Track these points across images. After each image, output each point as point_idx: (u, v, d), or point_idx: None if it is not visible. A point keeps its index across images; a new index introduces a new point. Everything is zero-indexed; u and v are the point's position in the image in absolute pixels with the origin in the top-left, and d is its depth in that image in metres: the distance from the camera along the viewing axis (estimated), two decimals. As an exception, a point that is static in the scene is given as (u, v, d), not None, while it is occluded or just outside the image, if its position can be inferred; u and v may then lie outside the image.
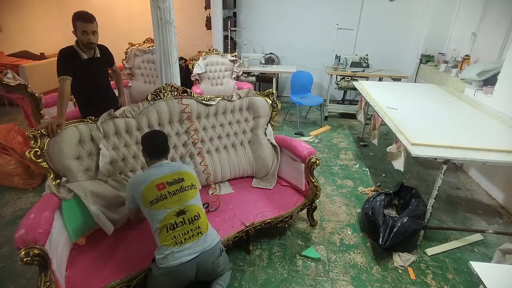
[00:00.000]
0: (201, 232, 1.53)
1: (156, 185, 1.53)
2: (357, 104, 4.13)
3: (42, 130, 1.65)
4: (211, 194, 2.24)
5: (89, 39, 2.12)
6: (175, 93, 2.17)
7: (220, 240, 1.62)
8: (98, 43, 2.25)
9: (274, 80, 5.02)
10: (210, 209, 2.09)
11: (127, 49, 4.50)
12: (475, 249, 2.27)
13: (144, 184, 1.54)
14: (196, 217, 1.54)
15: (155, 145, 1.69)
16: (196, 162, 2.24)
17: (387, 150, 2.43)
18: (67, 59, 2.10)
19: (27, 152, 1.60)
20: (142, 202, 1.53)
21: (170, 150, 2.16)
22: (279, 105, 2.53)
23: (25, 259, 1.26)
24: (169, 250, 1.45)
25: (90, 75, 2.23)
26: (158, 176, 1.57)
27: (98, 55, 2.26)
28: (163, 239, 1.47)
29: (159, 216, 1.49)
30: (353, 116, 4.68)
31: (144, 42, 4.71)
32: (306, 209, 2.35)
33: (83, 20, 2.06)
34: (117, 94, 2.61)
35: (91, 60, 2.21)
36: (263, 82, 5.67)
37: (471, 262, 1.18)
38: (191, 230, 1.51)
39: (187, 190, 1.58)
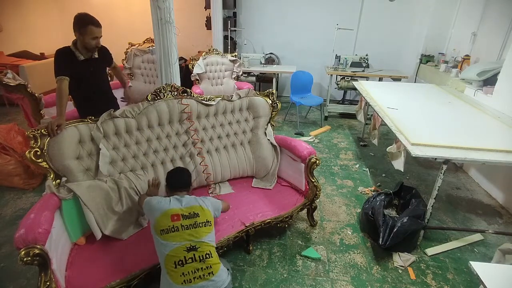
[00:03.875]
0: (212, 273, 1.44)
1: (171, 215, 1.50)
2: (357, 104, 4.13)
3: (42, 130, 1.65)
4: (210, 194, 2.25)
5: (98, 43, 2.13)
6: (175, 93, 2.17)
7: (230, 281, 1.54)
8: None
9: (274, 80, 5.01)
10: None
11: (127, 49, 4.50)
12: (475, 249, 2.27)
13: (160, 212, 1.51)
14: (207, 255, 1.46)
15: (179, 183, 1.72)
16: (196, 162, 2.24)
17: (387, 150, 2.43)
18: (64, 60, 2.08)
19: (27, 152, 1.60)
20: (154, 228, 1.50)
21: (171, 151, 2.17)
22: (279, 105, 2.52)
23: (25, 259, 1.26)
24: None
25: (87, 75, 2.21)
26: (175, 207, 1.54)
27: (96, 56, 2.23)
28: (171, 274, 1.41)
29: (168, 247, 1.44)
30: (353, 116, 4.68)
31: (144, 42, 4.71)
32: (306, 209, 2.35)
33: (96, 25, 2.06)
34: (118, 95, 2.60)
35: (88, 61, 2.18)
36: (263, 82, 5.67)
37: (471, 262, 1.18)
38: (201, 269, 1.42)
39: (200, 227, 1.53)
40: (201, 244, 1.48)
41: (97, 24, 2.07)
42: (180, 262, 1.41)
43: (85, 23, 2.03)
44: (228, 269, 1.59)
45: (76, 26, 2.04)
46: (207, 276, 1.42)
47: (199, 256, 1.44)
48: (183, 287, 1.38)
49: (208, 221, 1.58)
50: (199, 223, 1.53)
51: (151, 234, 1.53)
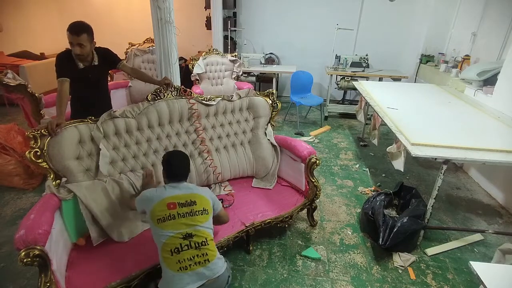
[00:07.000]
0: (208, 260, 1.44)
1: (167, 203, 1.48)
2: (357, 104, 4.13)
3: (42, 130, 1.64)
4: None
5: (75, 50, 2.05)
6: (175, 93, 2.17)
7: (227, 268, 1.54)
8: (98, 45, 2.19)
9: (274, 80, 5.02)
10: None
11: (127, 49, 4.51)
12: (475, 249, 2.27)
13: (156, 201, 1.50)
14: (203, 243, 1.46)
15: (177, 170, 1.61)
16: (196, 162, 2.24)
17: (387, 150, 2.43)
18: (64, 65, 2.07)
19: (27, 152, 1.60)
20: (150, 217, 1.49)
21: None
22: (279, 105, 2.52)
23: (25, 260, 1.26)
24: (172, 275, 1.39)
25: (86, 83, 2.18)
26: (171, 195, 1.52)
27: (96, 63, 2.18)
28: (167, 262, 1.42)
29: (164, 235, 1.44)
30: (353, 116, 4.67)
31: (144, 42, 4.72)
32: (306, 209, 2.35)
33: (70, 32, 1.98)
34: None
35: (87, 68, 2.15)
36: (263, 82, 5.67)
37: (471, 262, 1.18)
38: (197, 256, 1.43)
39: (197, 215, 1.51)
40: (197, 231, 1.48)
41: (73, 31, 1.98)
42: (176, 249, 1.42)
43: (67, 29, 1.99)
44: (226, 261, 1.59)
45: None
46: (203, 263, 1.43)
47: (195, 243, 1.45)
48: (179, 274, 1.39)
49: (205, 209, 1.55)
50: (196, 211, 1.52)
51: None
